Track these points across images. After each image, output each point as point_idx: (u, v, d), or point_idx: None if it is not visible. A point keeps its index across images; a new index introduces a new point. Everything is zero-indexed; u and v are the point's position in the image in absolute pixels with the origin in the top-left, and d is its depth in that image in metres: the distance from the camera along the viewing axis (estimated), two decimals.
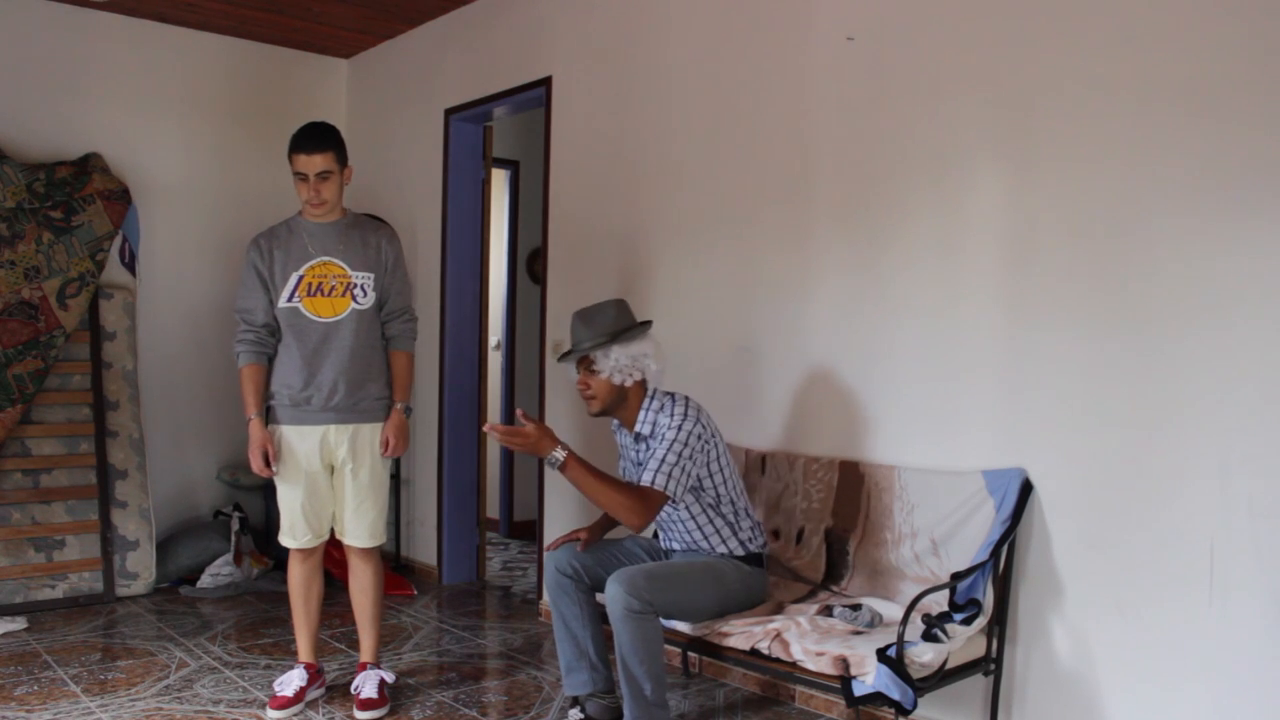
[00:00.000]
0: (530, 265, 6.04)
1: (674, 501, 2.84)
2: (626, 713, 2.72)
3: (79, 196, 4.63)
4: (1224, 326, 2.41)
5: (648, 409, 2.95)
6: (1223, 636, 2.40)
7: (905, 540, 2.95)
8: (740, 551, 2.96)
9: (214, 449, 5.33)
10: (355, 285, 3.20)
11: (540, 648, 3.92)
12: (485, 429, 2.78)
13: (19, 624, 4.08)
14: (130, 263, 4.87)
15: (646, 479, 2.79)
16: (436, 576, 4.97)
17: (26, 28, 4.74)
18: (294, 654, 3.77)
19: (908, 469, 3.01)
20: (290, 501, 3.23)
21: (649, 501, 2.78)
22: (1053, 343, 2.73)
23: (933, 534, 2.88)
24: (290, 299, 3.18)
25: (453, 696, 3.36)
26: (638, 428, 2.96)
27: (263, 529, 5.25)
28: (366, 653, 3.34)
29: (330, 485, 3.25)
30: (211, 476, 5.31)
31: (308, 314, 3.17)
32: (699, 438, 2.86)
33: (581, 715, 3.00)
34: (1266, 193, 2.34)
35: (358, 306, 3.19)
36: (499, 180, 6.07)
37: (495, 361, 5.91)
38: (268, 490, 5.24)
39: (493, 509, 6.08)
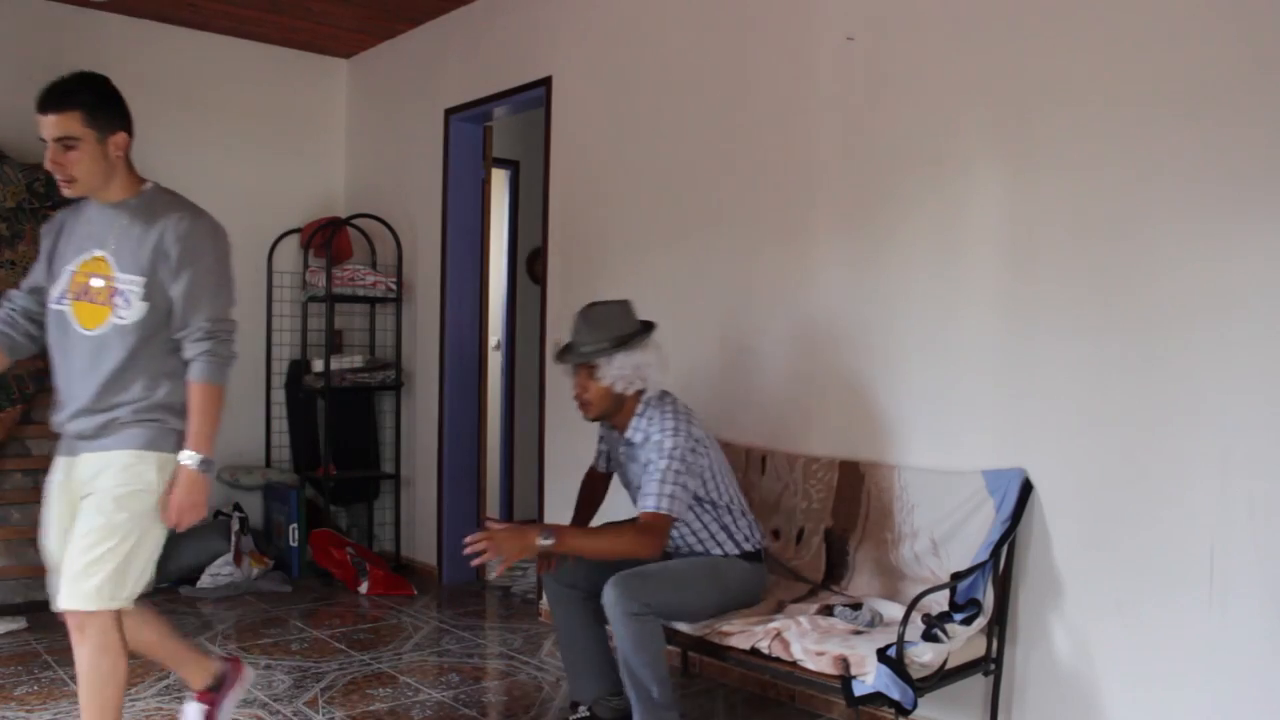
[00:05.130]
0: (530, 265, 6.04)
1: (678, 520, 2.81)
2: (636, 717, 2.71)
3: None
4: (1224, 327, 2.41)
5: (641, 415, 2.87)
6: (1223, 636, 2.40)
7: (905, 540, 2.95)
8: (738, 551, 2.95)
9: (214, 449, 5.31)
10: (118, 292, 2.38)
11: (540, 648, 3.92)
12: (467, 548, 2.58)
13: (19, 624, 4.08)
14: None
15: (649, 505, 2.72)
16: (436, 576, 4.97)
17: (26, 28, 4.74)
18: (293, 653, 3.78)
19: (908, 469, 3.01)
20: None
21: (656, 530, 2.71)
22: (1053, 343, 2.73)
23: (933, 534, 2.88)
24: (59, 299, 2.43)
25: (453, 696, 3.36)
26: (629, 434, 2.91)
27: (263, 529, 5.25)
28: None
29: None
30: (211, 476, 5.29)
31: (74, 324, 2.41)
32: (692, 451, 2.79)
33: (587, 714, 2.99)
34: (1267, 194, 2.34)
35: (117, 321, 2.38)
36: (499, 180, 6.06)
37: (495, 361, 5.90)
38: (267, 490, 5.25)
39: (493, 509, 6.07)
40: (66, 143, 2.36)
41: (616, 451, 3.04)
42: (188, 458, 2.47)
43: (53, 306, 2.45)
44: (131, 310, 2.38)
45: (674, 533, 2.96)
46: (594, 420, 2.95)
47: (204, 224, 2.52)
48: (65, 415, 2.44)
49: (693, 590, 2.79)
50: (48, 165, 2.39)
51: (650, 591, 2.66)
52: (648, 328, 2.91)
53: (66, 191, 2.41)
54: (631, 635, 2.63)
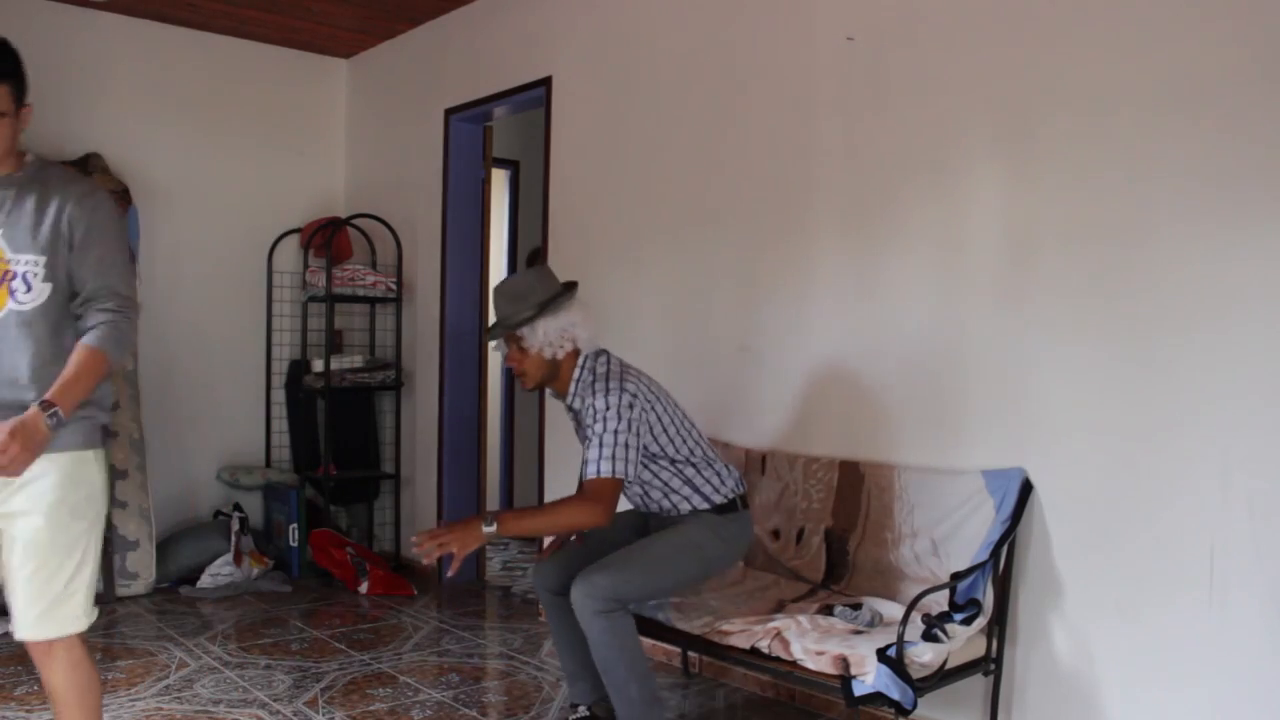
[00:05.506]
0: (530, 265, 6.03)
1: (629, 481, 2.72)
2: (618, 716, 2.69)
3: None
4: (1224, 328, 2.41)
5: (578, 380, 2.79)
6: (1223, 637, 2.40)
7: (905, 540, 2.95)
8: (708, 505, 2.85)
9: (214, 449, 5.33)
10: (14, 275, 2.13)
11: (540, 648, 3.92)
12: (414, 548, 2.55)
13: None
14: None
15: (590, 471, 2.64)
16: (436, 576, 4.97)
17: (26, 28, 4.74)
18: (293, 653, 3.78)
19: (908, 469, 3.01)
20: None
21: (601, 496, 2.62)
22: (1053, 343, 2.73)
23: (933, 534, 2.88)
24: None
25: (453, 696, 3.36)
26: (570, 400, 2.84)
27: (263, 529, 5.25)
28: None
29: None
30: (211, 476, 5.31)
31: None
32: (630, 407, 2.68)
33: (586, 714, 3.00)
34: (1266, 195, 2.34)
35: (16, 306, 2.13)
36: (499, 180, 6.07)
37: (495, 361, 5.90)
38: (267, 490, 5.25)
39: (492, 509, 6.06)
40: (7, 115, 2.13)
41: (569, 418, 2.97)
42: (43, 409, 2.06)
43: None
44: (33, 293, 2.13)
45: (638, 494, 2.88)
46: (534, 389, 2.88)
47: (105, 197, 2.27)
48: None
49: (667, 569, 2.73)
50: None
51: (618, 584, 2.62)
52: (569, 288, 2.83)
53: None
54: (601, 634, 2.61)
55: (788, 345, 3.41)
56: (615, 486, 2.65)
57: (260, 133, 5.43)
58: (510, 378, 6.03)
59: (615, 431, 2.66)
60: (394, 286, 5.21)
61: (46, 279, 2.15)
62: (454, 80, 4.90)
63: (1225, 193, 2.41)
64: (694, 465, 2.85)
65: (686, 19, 3.78)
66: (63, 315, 2.18)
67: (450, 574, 2.54)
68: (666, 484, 2.84)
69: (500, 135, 5.65)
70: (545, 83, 4.36)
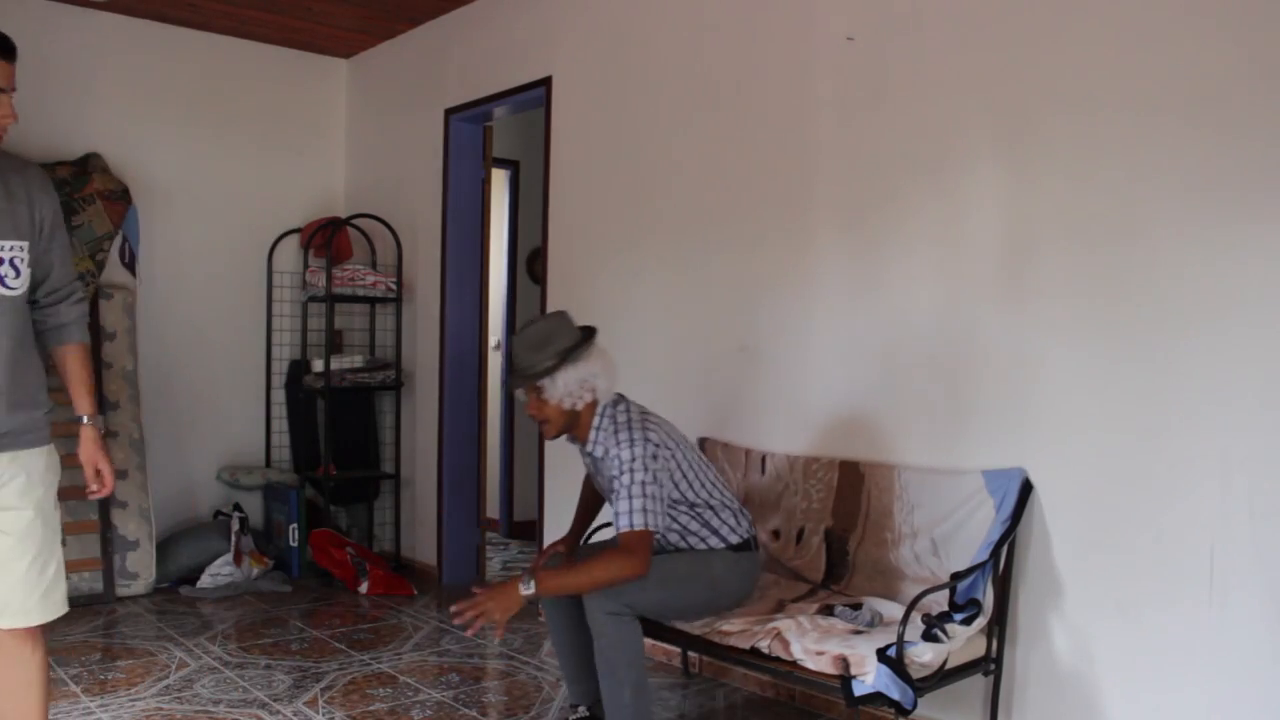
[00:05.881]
0: (530, 265, 6.04)
1: (659, 531, 2.75)
2: (607, 718, 2.70)
3: (79, 196, 4.63)
4: (1225, 328, 2.41)
5: (599, 428, 2.80)
6: (1223, 637, 2.40)
7: (905, 540, 2.95)
8: (724, 545, 2.89)
9: (214, 449, 5.33)
10: (3, 261, 2.14)
11: (540, 648, 3.92)
12: (455, 619, 2.61)
13: None
14: (130, 263, 4.87)
15: (624, 524, 2.66)
16: (436, 576, 4.97)
17: (27, 28, 4.74)
18: (293, 653, 3.78)
19: (908, 469, 3.01)
20: None
21: (638, 549, 2.64)
22: (1053, 343, 2.73)
23: (933, 534, 2.88)
24: None
25: (453, 696, 3.36)
26: (589, 448, 2.85)
27: (263, 529, 5.25)
28: None
29: None
30: (211, 476, 5.31)
31: None
32: (654, 458, 2.71)
33: (586, 714, 3.00)
34: (1266, 196, 2.34)
35: (7, 292, 2.15)
36: (499, 180, 6.07)
37: (495, 361, 5.91)
38: (267, 490, 5.25)
39: (493, 509, 6.08)
40: (8, 91, 2.13)
41: (585, 462, 3.00)
42: (94, 420, 2.30)
43: None
44: (20, 279, 2.16)
45: (656, 538, 2.91)
46: (555, 438, 2.89)
47: (53, 187, 2.31)
48: None
49: (679, 588, 2.76)
50: (4, 120, 2.13)
51: (632, 592, 2.64)
52: (588, 334, 2.83)
53: None
54: (608, 635, 2.62)
55: (787, 345, 3.41)
56: (648, 538, 2.67)
57: (260, 133, 5.43)
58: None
59: (643, 484, 2.68)
60: (394, 286, 5.21)
61: (30, 264, 2.19)
62: (454, 80, 4.90)
63: (1225, 193, 2.41)
64: (711, 508, 2.88)
65: (686, 19, 3.78)
66: (27, 304, 2.24)
67: (498, 639, 2.54)
68: (685, 527, 2.87)
69: (500, 135, 5.65)
70: (545, 83, 4.36)
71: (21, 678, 2.28)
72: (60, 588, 2.28)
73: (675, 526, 2.87)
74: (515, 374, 2.80)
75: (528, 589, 2.59)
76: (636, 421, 2.78)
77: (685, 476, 2.83)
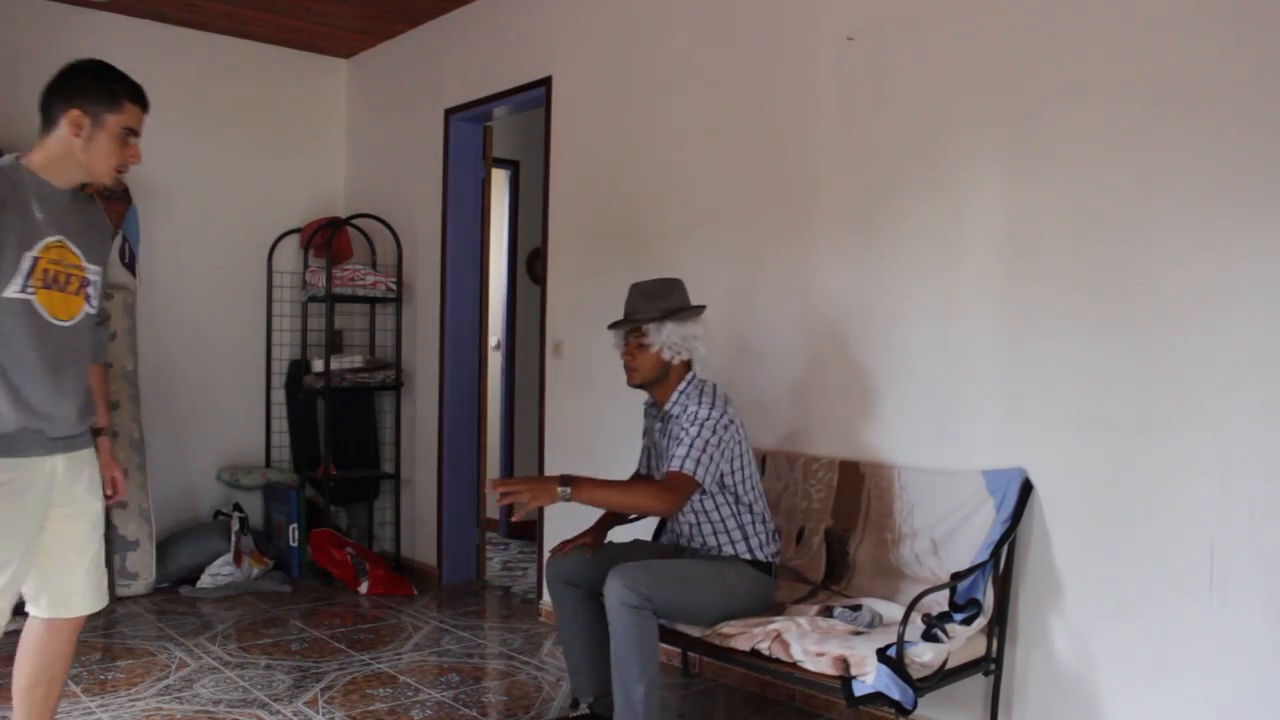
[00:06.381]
0: (530, 265, 6.04)
1: (703, 491, 2.81)
2: (615, 714, 2.69)
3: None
4: (1225, 327, 2.40)
5: (683, 391, 2.90)
6: (1223, 637, 2.40)
7: (905, 540, 2.95)
8: (749, 557, 2.91)
9: (214, 449, 5.33)
10: (90, 283, 2.35)
11: (540, 648, 3.92)
12: (488, 490, 2.68)
13: (19, 624, 4.07)
14: (130, 263, 4.87)
15: (675, 465, 2.75)
16: (436, 576, 4.97)
17: (26, 28, 4.74)
18: (293, 653, 3.78)
19: (908, 469, 3.01)
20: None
21: (678, 488, 2.72)
22: (1053, 343, 2.73)
23: (933, 534, 2.88)
24: (24, 289, 2.21)
25: (453, 696, 3.36)
26: (668, 406, 2.93)
27: (263, 529, 5.26)
28: None
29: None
30: (211, 476, 5.31)
31: (44, 313, 2.24)
32: (726, 428, 2.80)
33: (587, 712, 2.99)
34: (1266, 194, 2.34)
35: (91, 311, 2.37)
36: (499, 180, 6.07)
37: (495, 361, 5.91)
38: (267, 490, 5.25)
39: (493, 509, 6.07)
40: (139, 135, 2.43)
41: (653, 431, 3.05)
42: (108, 432, 2.59)
43: (9, 295, 2.19)
44: (98, 301, 2.39)
45: (688, 523, 2.94)
46: (636, 386, 2.97)
47: None
48: (57, 414, 2.28)
49: (697, 592, 2.77)
50: (126, 158, 2.35)
51: (653, 587, 2.65)
52: (699, 307, 2.96)
53: (109, 178, 2.36)
54: (626, 628, 2.62)
55: (788, 345, 3.41)
56: (692, 486, 2.76)
57: (260, 133, 5.43)
58: (510, 378, 6.04)
59: (706, 441, 2.77)
60: (394, 286, 5.21)
61: (101, 288, 2.42)
62: (454, 80, 4.90)
63: (1225, 192, 2.41)
64: (753, 513, 2.92)
65: (686, 19, 3.78)
66: None
67: (515, 519, 2.64)
68: (723, 520, 2.90)
69: (500, 135, 5.65)
70: (545, 83, 4.36)
71: (63, 668, 2.48)
72: (105, 579, 2.50)
73: (715, 516, 2.89)
74: (626, 316, 2.92)
75: (564, 488, 2.64)
76: (721, 398, 2.88)
77: (743, 468, 2.90)
